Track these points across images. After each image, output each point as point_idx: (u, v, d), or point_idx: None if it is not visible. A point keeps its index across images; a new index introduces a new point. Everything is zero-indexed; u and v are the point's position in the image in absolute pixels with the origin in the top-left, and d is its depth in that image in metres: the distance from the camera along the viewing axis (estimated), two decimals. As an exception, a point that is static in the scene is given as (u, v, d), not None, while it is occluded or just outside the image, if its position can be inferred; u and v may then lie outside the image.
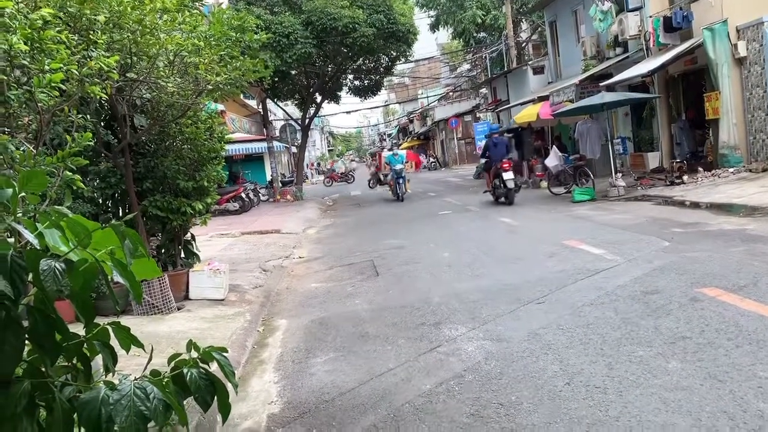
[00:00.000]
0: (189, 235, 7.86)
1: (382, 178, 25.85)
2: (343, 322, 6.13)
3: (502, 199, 15.04)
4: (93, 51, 4.03)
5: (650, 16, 16.13)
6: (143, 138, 7.10)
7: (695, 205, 10.96)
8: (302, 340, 5.69)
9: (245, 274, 8.93)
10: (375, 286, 7.62)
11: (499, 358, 4.46)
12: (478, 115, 39.06)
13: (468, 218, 13.61)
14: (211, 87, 6.31)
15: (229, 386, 2.14)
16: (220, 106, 13.67)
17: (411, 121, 68.27)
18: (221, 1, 21.21)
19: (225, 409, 2.13)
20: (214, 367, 2.38)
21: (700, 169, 14.16)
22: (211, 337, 5.62)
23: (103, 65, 3.76)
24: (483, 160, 17.36)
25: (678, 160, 14.78)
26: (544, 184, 18.34)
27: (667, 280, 6.01)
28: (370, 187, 29.42)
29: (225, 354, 2.39)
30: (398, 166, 20.71)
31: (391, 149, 27.66)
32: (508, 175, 14.60)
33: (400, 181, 20.63)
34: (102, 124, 6.89)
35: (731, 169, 13.48)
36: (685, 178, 13.76)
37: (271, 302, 7.54)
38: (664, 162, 16.54)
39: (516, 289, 6.44)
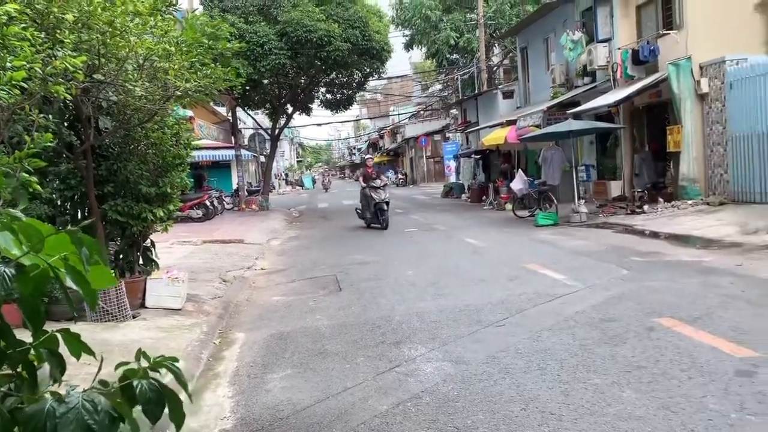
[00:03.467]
0: (149, 241, 7.70)
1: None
2: (302, 337, 6.06)
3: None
4: (59, 50, 3.94)
5: (619, 48, 16.56)
6: (107, 141, 6.95)
7: (654, 235, 11.21)
8: (259, 355, 5.60)
9: (205, 283, 8.78)
10: (337, 302, 7.56)
11: (457, 381, 4.46)
12: (447, 135, 39.43)
13: (434, 237, 13.66)
14: (179, 93, 6.22)
15: (183, 397, 2.09)
16: (189, 112, 13.50)
17: (381, 137, 68.56)
18: (196, 8, 21.07)
19: (178, 421, 2.07)
20: (168, 379, 2.32)
21: (661, 199, 14.51)
22: (165, 347, 5.50)
23: (68, 65, 3.68)
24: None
25: (639, 190, 15.13)
26: (509, 206, 18.56)
27: (624, 309, 6.11)
28: (363, 217, 16.80)
29: (177, 364, 2.32)
30: None
31: None
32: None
33: None
34: (65, 124, 6.72)
35: (690, 202, 13.84)
36: (646, 207, 14.09)
37: (230, 314, 7.42)
38: (626, 191, 16.90)
39: (477, 311, 6.46)
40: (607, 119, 17.54)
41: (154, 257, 7.77)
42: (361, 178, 17.59)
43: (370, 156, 20.39)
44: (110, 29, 5.00)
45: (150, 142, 7.18)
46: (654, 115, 16.69)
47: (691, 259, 8.77)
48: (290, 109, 27.58)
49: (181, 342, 5.79)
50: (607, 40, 17.25)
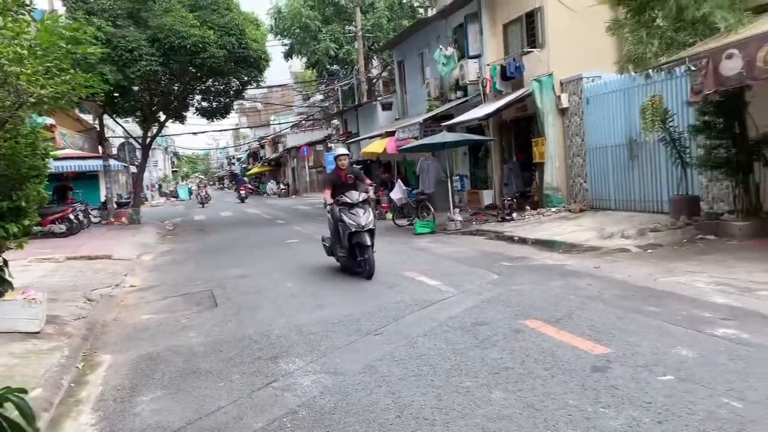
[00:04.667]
0: (1, 260, 7.06)
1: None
2: (174, 356, 5.80)
3: None
4: None
5: (488, 64, 17.43)
6: (-51, 150, 6.32)
7: (522, 241, 11.86)
8: (127, 377, 5.29)
9: (67, 303, 8.18)
10: (212, 318, 7.32)
11: (334, 392, 4.46)
12: (329, 145, 39.55)
13: (315, 248, 13.51)
14: (34, 100, 5.79)
15: (41, 424, 1.94)
16: (49, 120, 12.57)
17: (262, 147, 67.54)
18: (56, 8, 19.70)
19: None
20: (16, 413, 2.13)
21: (528, 207, 15.41)
22: (20, 375, 5.06)
23: None
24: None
25: (508, 199, 15.98)
26: (389, 215, 18.91)
27: (494, 312, 6.41)
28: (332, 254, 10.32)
29: (24, 395, 2.14)
30: None
31: None
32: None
33: None
34: None
35: (554, 209, 14.80)
36: (515, 215, 14.89)
37: (95, 335, 6.95)
38: (496, 199, 17.78)
39: (356, 321, 6.51)
40: (479, 132, 18.40)
41: (7, 277, 7.11)
42: (327, 192, 10.09)
43: (345, 152, 10.57)
44: (-51, 29, 4.56)
45: (1, 153, 6.59)
46: (521, 127, 17.71)
47: (554, 262, 9.36)
48: (163, 117, 26.47)
49: (38, 368, 5.34)
50: (478, 57, 18.10)
